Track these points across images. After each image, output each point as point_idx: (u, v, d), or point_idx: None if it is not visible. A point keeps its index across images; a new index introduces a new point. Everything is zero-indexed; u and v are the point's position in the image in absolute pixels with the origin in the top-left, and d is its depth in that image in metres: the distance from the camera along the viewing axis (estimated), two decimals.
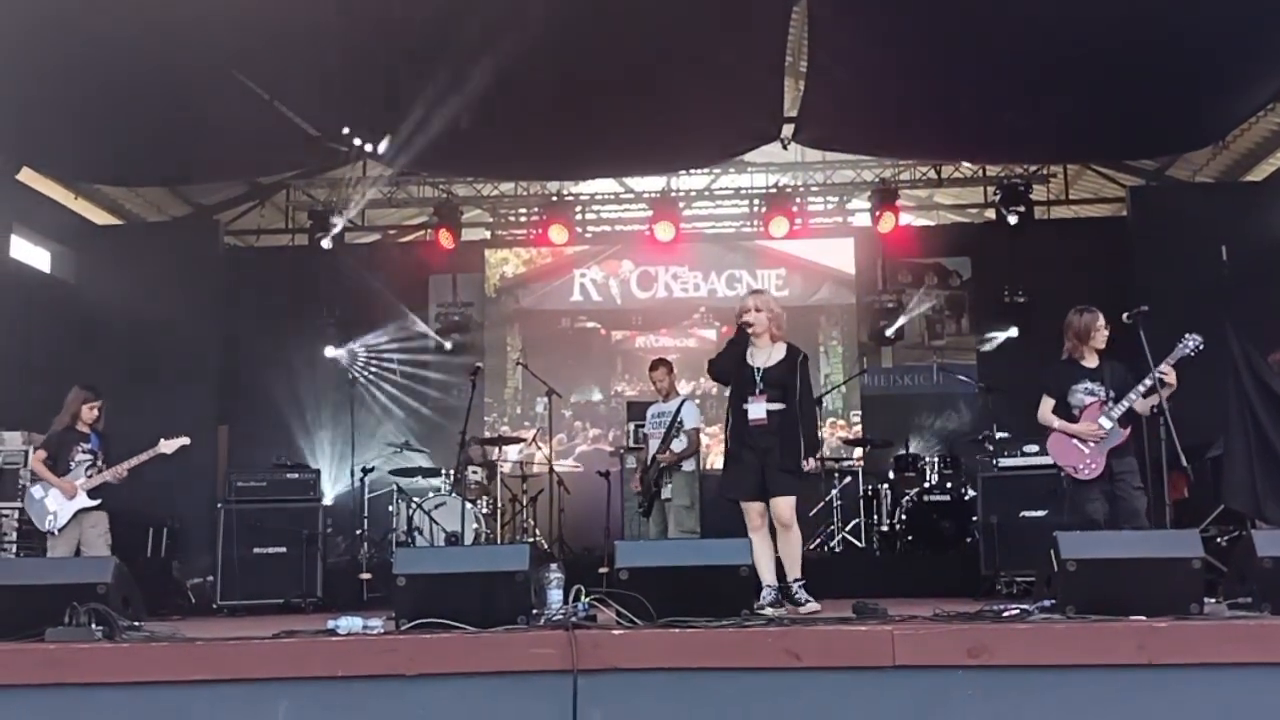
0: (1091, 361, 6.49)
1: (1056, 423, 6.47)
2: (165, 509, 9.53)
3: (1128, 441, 6.31)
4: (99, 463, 7.76)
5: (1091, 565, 4.17)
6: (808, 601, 5.99)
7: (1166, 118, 9.34)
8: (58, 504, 7.59)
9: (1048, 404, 6.56)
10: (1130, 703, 3.73)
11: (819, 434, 6.43)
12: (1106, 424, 6.29)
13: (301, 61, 8.18)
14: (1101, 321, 6.53)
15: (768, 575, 6.05)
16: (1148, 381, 6.19)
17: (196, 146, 9.68)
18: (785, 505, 6.10)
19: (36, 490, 7.68)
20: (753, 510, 6.18)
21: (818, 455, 6.28)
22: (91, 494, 7.66)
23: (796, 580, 6.08)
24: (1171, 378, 6.18)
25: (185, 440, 7.86)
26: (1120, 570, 4.15)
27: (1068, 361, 6.58)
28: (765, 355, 6.32)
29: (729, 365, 6.39)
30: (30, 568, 6.06)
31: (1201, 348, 6.28)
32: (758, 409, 6.19)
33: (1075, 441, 6.40)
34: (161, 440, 7.79)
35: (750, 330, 6.29)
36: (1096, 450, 6.32)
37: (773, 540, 6.15)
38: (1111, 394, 6.32)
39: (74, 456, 7.72)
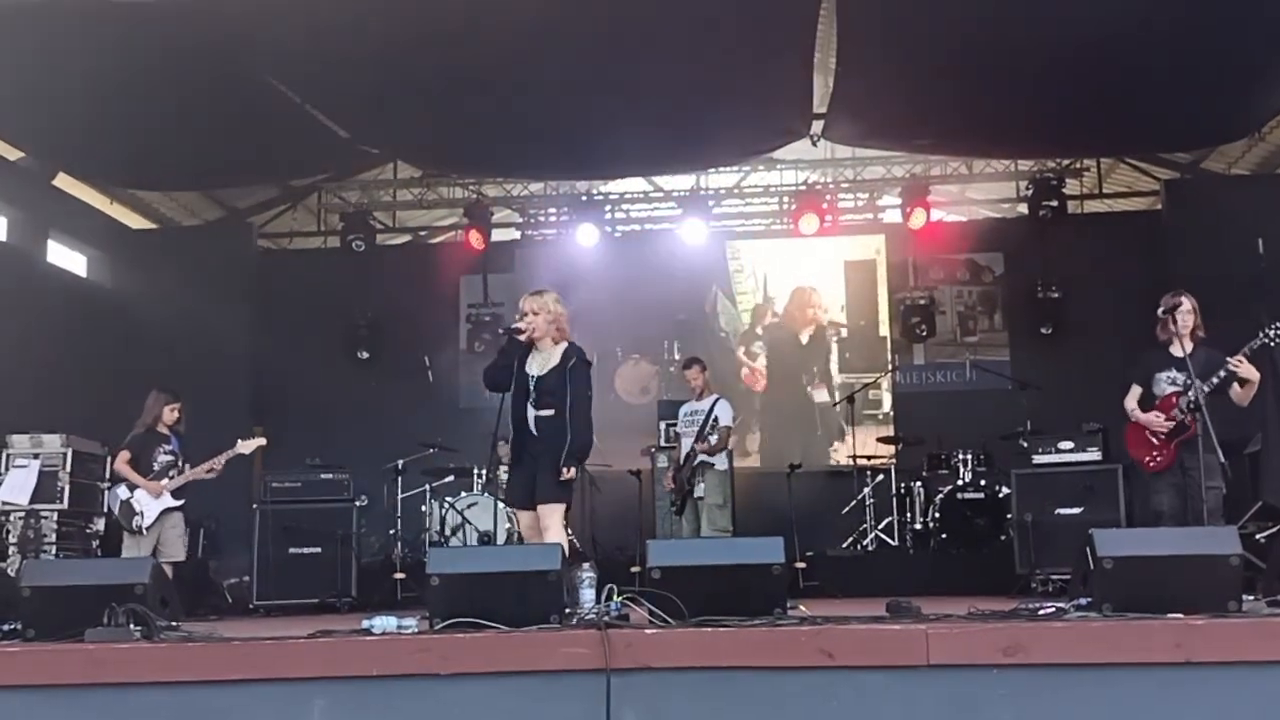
0: (1180, 349, 6.22)
1: (1130, 410, 6.40)
2: (202, 510, 9.58)
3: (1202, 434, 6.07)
4: (179, 463, 7.94)
5: (1128, 562, 4.11)
6: None
7: (1201, 110, 9.23)
8: (144, 504, 7.75)
9: (1133, 392, 6.44)
10: (1168, 701, 3.69)
11: (588, 439, 5.98)
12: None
13: (334, 65, 8.23)
14: (1175, 304, 6.26)
15: None
16: (1217, 376, 6.04)
17: (230, 150, 9.76)
18: (545, 511, 5.82)
19: (122, 490, 7.83)
20: (522, 519, 6.03)
21: (579, 462, 5.93)
22: (175, 494, 7.85)
23: None
24: (1245, 370, 6.00)
25: (262, 441, 8.12)
26: (1157, 567, 4.09)
27: (1157, 348, 6.41)
28: (544, 360, 5.98)
29: (500, 376, 6.02)
30: (70, 569, 6.08)
31: None
32: (533, 418, 5.92)
33: (1147, 432, 6.32)
34: (239, 441, 7.99)
35: (524, 336, 5.94)
36: (1166, 442, 6.22)
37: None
38: (1194, 383, 6.08)
39: (156, 458, 7.92)
